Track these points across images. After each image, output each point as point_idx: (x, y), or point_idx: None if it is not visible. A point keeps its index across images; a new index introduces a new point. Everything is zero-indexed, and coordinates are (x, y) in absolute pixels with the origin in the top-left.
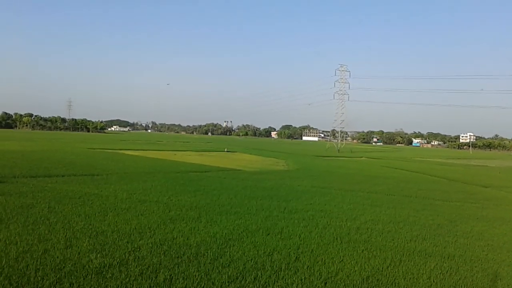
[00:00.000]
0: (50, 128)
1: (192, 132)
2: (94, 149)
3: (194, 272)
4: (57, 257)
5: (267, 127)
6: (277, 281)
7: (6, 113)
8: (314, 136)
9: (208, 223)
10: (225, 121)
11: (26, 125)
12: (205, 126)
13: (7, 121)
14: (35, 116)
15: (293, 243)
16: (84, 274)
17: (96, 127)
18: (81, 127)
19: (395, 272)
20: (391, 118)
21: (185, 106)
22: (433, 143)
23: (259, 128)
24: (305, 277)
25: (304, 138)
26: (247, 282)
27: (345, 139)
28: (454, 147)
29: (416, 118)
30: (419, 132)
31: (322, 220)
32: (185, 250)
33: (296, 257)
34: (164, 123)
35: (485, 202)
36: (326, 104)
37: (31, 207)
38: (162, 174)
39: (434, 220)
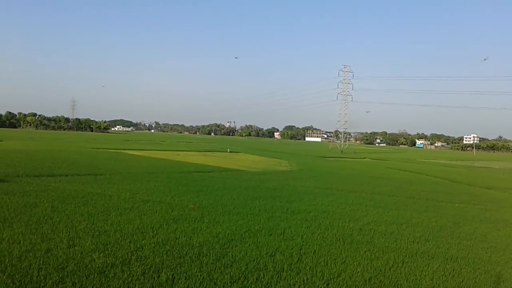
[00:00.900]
0: (53, 128)
1: (195, 132)
2: (97, 148)
3: (196, 272)
4: (60, 257)
5: (270, 128)
6: (279, 282)
7: (10, 113)
8: (317, 136)
9: (210, 223)
10: (228, 122)
11: (30, 125)
12: (208, 126)
13: (11, 120)
14: (39, 115)
15: (296, 244)
16: (86, 274)
17: (99, 127)
18: (84, 127)
19: (398, 273)
20: (394, 119)
21: (188, 107)
22: (436, 145)
23: (262, 129)
24: (307, 278)
25: (307, 138)
26: (249, 282)
27: (348, 140)
28: (457, 149)
29: (420, 119)
30: (422, 133)
31: (324, 221)
32: (188, 250)
33: (298, 258)
34: (167, 123)
35: (488, 204)
36: (329, 105)
37: (34, 206)
38: (165, 174)
39: (437, 222)
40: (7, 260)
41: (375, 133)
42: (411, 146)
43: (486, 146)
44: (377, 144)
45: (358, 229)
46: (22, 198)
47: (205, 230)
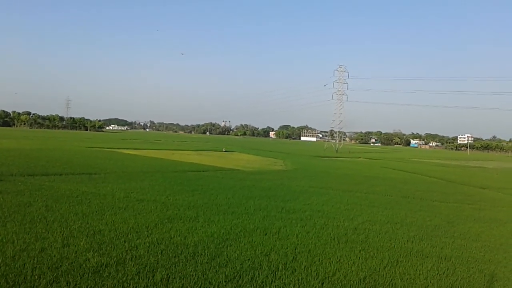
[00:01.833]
0: (48, 127)
1: (190, 132)
2: (92, 147)
3: (191, 271)
4: (54, 256)
5: (266, 127)
6: (274, 281)
7: (4, 111)
8: (312, 136)
9: (205, 222)
10: (223, 121)
11: (24, 123)
12: (203, 125)
13: (5, 119)
14: (33, 114)
15: (291, 243)
16: (81, 273)
17: (94, 126)
18: (79, 126)
19: (392, 272)
20: (389, 119)
21: (183, 106)
22: (431, 144)
23: (257, 128)
24: (302, 277)
25: (302, 138)
26: (244, 282)
27: (343, 140)
28: (452, 148)
29: (414, 119)
30: (417, 133)
31: (319, 220)
32: (183, 250)
33: (293, 257)
34: (163, 122)
35: (482, 203)
36: (325, 105)
37: (28, 205)
38: (160, 173)
39: (432, 221)
40: (0, 260)
41: (370, 133)
42: (406, 146)
43: (480, 146)
44: (372, 144)
45: (352, 229)
46: (16, 197)
47: (200, 229)
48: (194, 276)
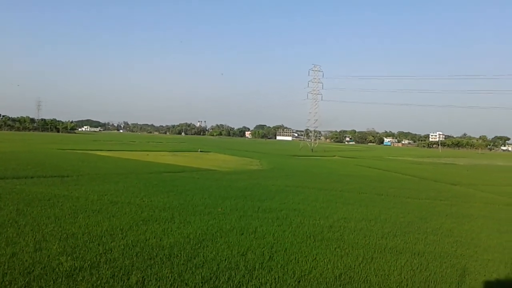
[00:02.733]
0: (18, 129)
1: (165, 132)
2: (64, 149)
3: (167, 273)
4: (26, 261)
5: (241, 127)
6: (250, 281)
7: None
8: (288, 135)
9: (181, 223)
10: (198, 121)
11: None
12: (178, 126)
13: None
14: (3, 116)
15: (267, 242)
16: (54, 278)
17: (66, 128)
18: (50, 128)
19: (367, 269)
20: (363, 118)
21: (158, 106)
22: (403, 142)
23: (233, 128)
24: (278, 276)
25: (278, 137)
26: (220, 282)
27: (319, 139)
28: (424, 146)
29: (387, 118)
30: (390, 131)
31: (295, 219)
32: (158, 252)
33: (270, 256)
34: (137, 123)
35: (454, 199)
36: (300, 104)
37: None
38: (135, 175)
39: (405, 218)
40: None
41: (345, 132)
42: (379, 144)
43: (451, 143)
44: (346, 143)
45: (328, 226)
46: None
47: (176, 231)
48: (170, 277)
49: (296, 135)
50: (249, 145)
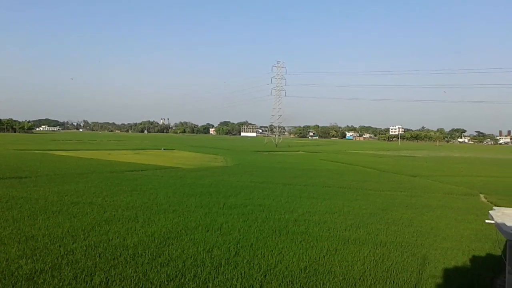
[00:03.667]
0: None
1: (127, 130)
2: (21, 150)
3: (131, 273)
4: None
5: (205, 124)
6: (217, 277)
7: None
8: (253, 131)
9: (145, 222)
10: (161, 119)
11: None
12: (140, 124)
13: None
14: None
15: (233, 238)
16: (13, 281)
17: (23, 127)
18: (6, 128)
19: (332, 260)
20: (325, 113)
21: (119, 104)
22: (365, 136)
23: (197, 125)
24: (244, 271)
25: (243, 134)
26: (186, 279)
27: (283, 134)
28: (384, 139)
29: (349, 113)
30: (352, 125)
31: (261, 214)
32: (122, 251)
33: (236, 252)
34: (97, 122)
35: (413, 190)
36: (264, 100)
37: None
38: (96, 174)
39: (367, 209)
40: None
41: (308, 127)
42: (342, 138)
43: (410, 136)
44: (310, 137)
45: (293, 220)
46: None
47: (140, 230)
48: (134, 277)
49: (261, 131)
50: (213, 141)
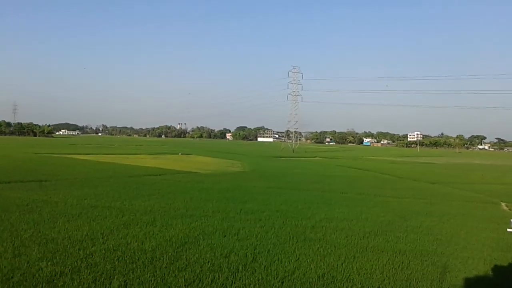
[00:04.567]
0: None
1: (145, 135)
2: (41, 154)
3: (149, 277)
4: (5, 267)
5: (222, 129)
6: (234, 283)
7: None
8: (269, 137)
9: (163, 227)
10: (179, 123)
11: None
12: (158, 128)
13: None
14: None
15: (250, 243)
16: (34, 283)
17: (43, 131)
18: (27, 132)
19: (350, 268)
20: (342, 119)
21: (137, 109)
22: (382, 142)
23: (214, 130)
24: (262, 277)
25: (259, 139)
26: (204, 284)
27: (299, 140)
28: (402, 146)
29: (367, 118)
30: (369, 131)
31: (278, 220)
32: (140, 255)
33: (253, 258)
34: (116, 126)
35: (433, 198)
36: (280, 106)
37: None
38: (115, 178)
39: (386, 217)
40: None
41: (325, 132)
42: (359, 144)
43: (429, 142)
44: (326, 143)
45: (310, 227)
46: None
47: (158, 234)
48: (152, 281)
49: (277, 136)
50: (230, 147)
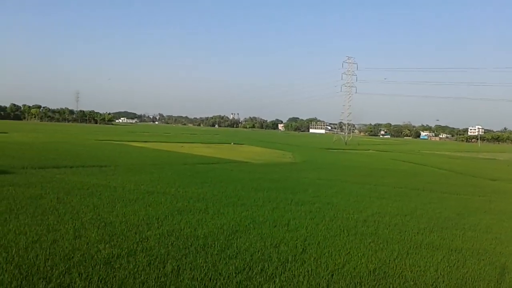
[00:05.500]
0: (58, 120)
1: (199, 124)
2: (101, 140)
3: (201, 263)
4: (66, 247)
5: (274, 120)
6: (283, 273)
7: (14, 105)
8: (321, 128)
9: (215, 214)
10: (232, 113)
11: (35, 117)
12: (212, 118)
13: (16, 112)
14: (43, 107)
15: (300, 235)
16: (92, 264)
17: (103, 119)
18: (88, 119)
19: (402, 264)
20: (399, 111)
21: (192, 98)
22: (441, 136)
23: (266, 121)
24: (311, 269)
25: (311, 130)
26: (254, 273)
27: (352, 132)
28: (462, 140)
29: (424, 111)
30: (427, 125)
31: (329, 212)
32: (193, 241)
33: (303, 249)
34: (171, 115)
35: (492, 195)
36: (334, 97)
37: (40, 197)
38: (169, 165)
39: (442, 213)
40: (14, 251)
41: (379, 125)
42: (416, 138)
43: (491, 137)
44: (381, 136)
45: (362, 221)
46: (28, 190)
47: (210, 221)
48: (204, 267)
49: (329, 128)
50: (282, 137)
